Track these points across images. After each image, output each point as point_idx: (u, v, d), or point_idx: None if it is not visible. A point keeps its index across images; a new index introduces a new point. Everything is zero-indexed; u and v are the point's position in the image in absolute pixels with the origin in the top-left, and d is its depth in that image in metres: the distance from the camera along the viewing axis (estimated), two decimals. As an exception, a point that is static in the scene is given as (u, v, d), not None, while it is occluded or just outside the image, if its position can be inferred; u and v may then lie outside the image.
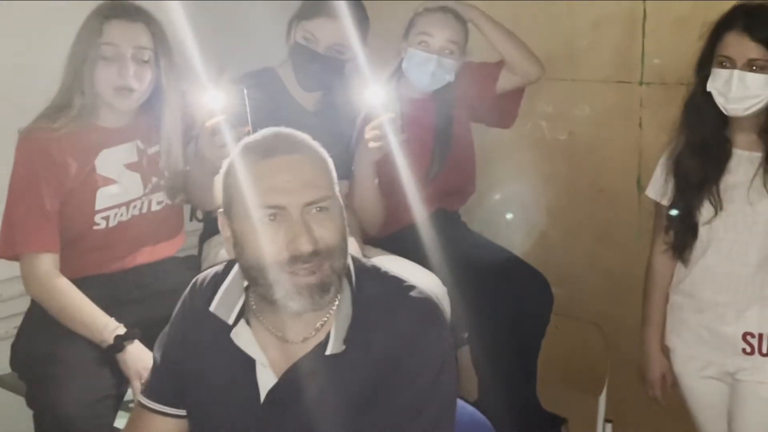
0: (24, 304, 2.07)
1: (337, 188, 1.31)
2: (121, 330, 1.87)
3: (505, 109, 2.52)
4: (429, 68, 2.28)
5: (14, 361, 2.02)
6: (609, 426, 2.32)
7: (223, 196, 1.32)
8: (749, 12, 1.81)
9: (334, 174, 1.32)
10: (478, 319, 2.18)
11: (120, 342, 1.85)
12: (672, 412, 2.12)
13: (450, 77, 2.33)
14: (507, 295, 2.30)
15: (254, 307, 1.35)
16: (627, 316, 2.43)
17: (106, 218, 2.00)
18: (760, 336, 1.88)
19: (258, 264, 1.26)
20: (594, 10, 2.51)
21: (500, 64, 2.43)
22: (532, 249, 2.62)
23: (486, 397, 2.25)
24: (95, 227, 2.00)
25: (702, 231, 1.92)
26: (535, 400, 2.37)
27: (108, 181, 1.99)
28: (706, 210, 1.90)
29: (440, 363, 1.29)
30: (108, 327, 1.86)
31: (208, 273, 1.44)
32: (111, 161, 2.00)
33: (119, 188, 2.01)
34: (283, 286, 1.24)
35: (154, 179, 2.07)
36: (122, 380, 1.90)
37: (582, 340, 2.38)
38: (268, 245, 1.24)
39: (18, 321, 2.07)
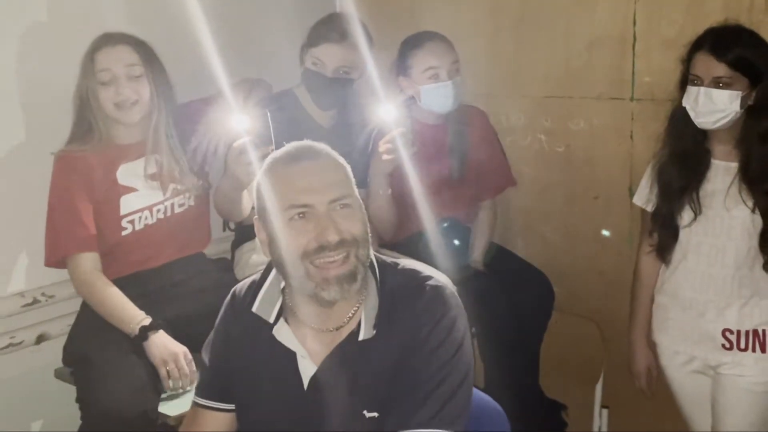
0: (76, 305, 2.14)
1: (355, 189, 1.36)
2: (147, 321, 1.93)
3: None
4: (449, 94, 2.29)
5: (66, 358, 2.08)
6: (605, 411, 2.36)
7: (257, 204, 1.37)
8: (716, 34, 1.85)
9: (352, 177, 1.37)
10: (486, 314, 2.19)
11: (144, 332, 1.91)
12: (663, 399, 2.14)
13: (464, 87, 2.34)
14: (512, 292, 2.34)
15: (290, 305, 1.39)
16: (621, 312, 2.40)
17: (132, 222, 2.06)
18: (738, 332, 1.91)
19: (291, 258, 1.31)
20: (589, 33, 2.51)
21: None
22: (534, 251, 2.64)
23: (493, 385, 2.27)
24: (123, 232, 2.06)
25: (682, 234, 1.94)
26: (537, 388, 2.41)
27: (129, 190, 2.06)
28: (686, 214, 1.92)
29: (459, 341, 1.33)
30: (135, 319, 1.93)
31: (245, 282, 1.49)
32: (130, 173, 2.07)
33: (140, 195, 2.08)
34: (314, 278, 1.30)
35: (172, 185, 2.12)
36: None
37: (580, 335, 2.40)
38: (300, 238, 1.29)
39: (71, 320, 2.14)
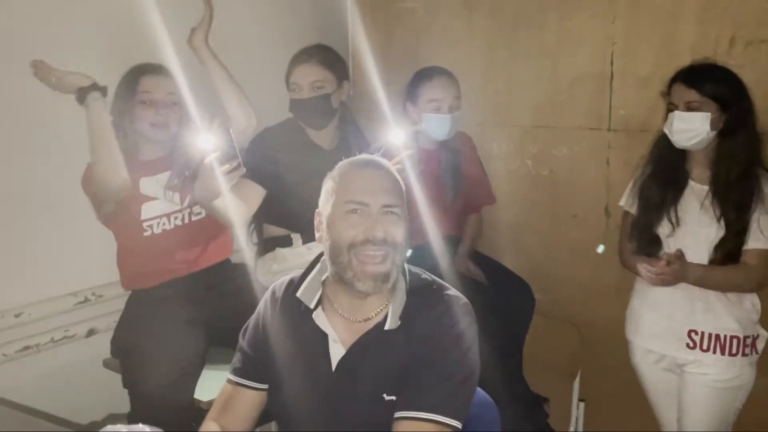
0: (121, 303, 2.19)
1: (405, 203, 1.43)
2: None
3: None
4: (446, 125, 2.32)
5: (113, 349, 2.14)
6: (582, 405, 2.40)
7: (323, 197, 1.45)
8: (690, 68, 1.92)
9: (404, 193, 1.44)
10: (477, 317, 2.19)
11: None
12: (634, 394, 2.17)
13: (459, 122, 2.37)
14: (499, 298, 2.34)
15: (329, 295, 1.45)
16: (596, 317, 2.49)
17: (151, 226, 2.10)
18: (702, 333, 1.94)
19: (341, 244, 1.37)
20: (572, 71, 2.55)
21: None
22: (520, 262, 2.64)
23: (483, 379, 2.28)
24: (145, 233, 2.09)
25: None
26: (522, 383, 2.38)
27: (150, 198, 2.10)
28: (665, 226, 1.96)
29: (468, 344, 1.39)
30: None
31: (284, 279, 1.55)
32: (152, 185, 2.11)
33: (160, 203, 2.10)
34: (354, 269, 1.36)
35: (189, 196, 2.14)
36: (197, 361, 1.99)
37: (560, 336, 2.46)
38: (351, 230, 1.36)
39: (117, 316, 2.18)
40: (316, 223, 1.48)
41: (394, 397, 1.38)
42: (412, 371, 1.37)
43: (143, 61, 2.10)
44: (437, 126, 2.33)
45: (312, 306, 1.45)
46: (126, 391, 2.00)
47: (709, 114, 1.85)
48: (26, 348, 2.20)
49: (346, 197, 1.39)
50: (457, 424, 1.35)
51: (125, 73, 2.08)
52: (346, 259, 1.37)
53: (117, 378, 2.06)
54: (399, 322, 1.39)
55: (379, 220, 1.37)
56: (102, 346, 2.19)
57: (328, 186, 1.45)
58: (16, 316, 2.18)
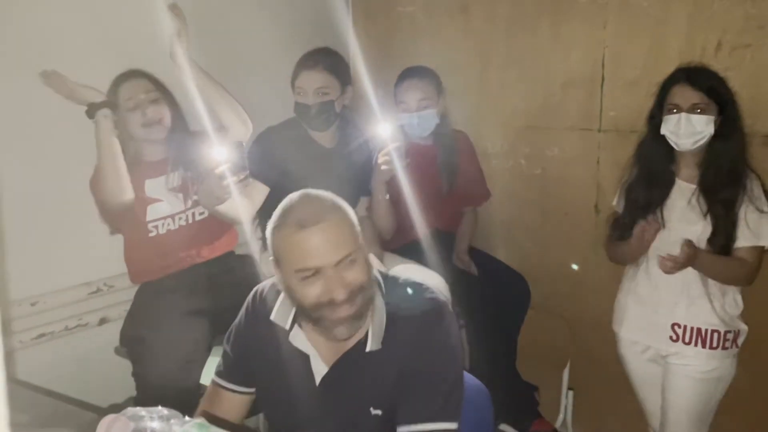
0: (131, 294, 2.22)
1: (360, 238, 1.30)
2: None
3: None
4: (414, 122, 2.38)
5: (122, 340, 2.17)
6: (570, 393, 2.41)
7: (273, 251, 1.32)
8: (689, 69, 1.90)
9: (356, 227, 1.31)
10: (474, 309, 2.22)
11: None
12: (619, 383, 2.19)
13: (435, 120, 2.39)
14: (497, 291, 2.37)
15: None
16: (586, 310, 2.51)
17: (156, 227, 2.13)
18: (685, 327, 1.95)
19: (303, 307, 1.30)
20: (564, 74, 2.55)
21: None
22: (513, 258, 2.66)
23: (477, 368, 2.22)
24: (150, 234, 2.12)
25: None
26: (515, 371, 2.45)
27: (155, 200, 2.13)
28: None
29: (454, 344, 1.36)
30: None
31: (266, 284, 1.46)
32: (156, 187, 2.14)
33: (164, 205, 2.13)
34: (328, 318, 1.28)
35: (194, 197, 2.17)
36: (203, 348, 2.02)
37: (551, 328, 2.44)
38: (312, 293, 1.26)
39: (127, 306, 2.21)
40: (273, 270, 1.35)
41: (380, 411, 1.35)
42: (403, 383, 1.33)
43: (145, 67, 2.13)
44: (407, 123, 2.37)
45: (287, 327, 1.38)
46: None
47: (713, 117, 1.84)
48: (42, 335, 2.23)
49: (295, 266, 1.26)
50: (454, 425, 1.33)
51: (108, 90, 2.09)
52: (316, 314, 1.29)
53: (127, 364, 2.09)
54: (381, 346, 1.33)
55: (338, 278, 1.25)
56: (113, 334, 2.22)
57: (274, 241, 1.30)
58: (32, 304, 2.22)
